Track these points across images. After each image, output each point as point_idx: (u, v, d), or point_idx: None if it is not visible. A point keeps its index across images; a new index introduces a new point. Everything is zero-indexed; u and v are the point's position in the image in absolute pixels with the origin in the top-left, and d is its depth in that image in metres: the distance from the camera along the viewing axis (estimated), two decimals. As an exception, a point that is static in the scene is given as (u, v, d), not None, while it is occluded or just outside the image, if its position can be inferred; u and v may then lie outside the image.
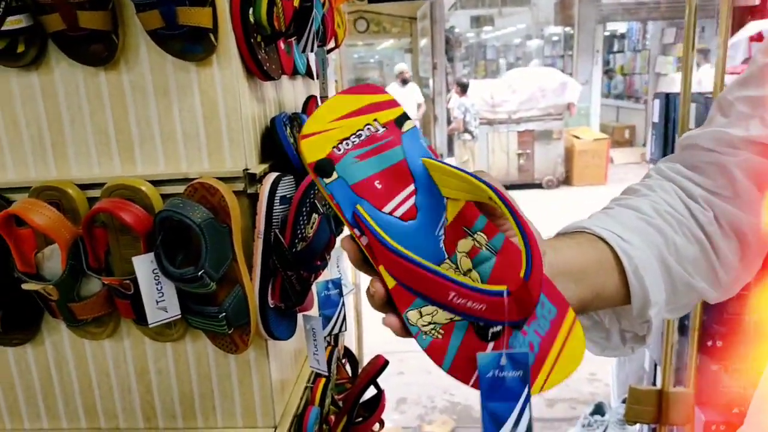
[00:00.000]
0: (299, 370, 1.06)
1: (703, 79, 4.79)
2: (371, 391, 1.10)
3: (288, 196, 0.81)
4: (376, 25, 9.46)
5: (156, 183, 0.79)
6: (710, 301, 0.58)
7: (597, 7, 8.52)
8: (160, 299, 0.75)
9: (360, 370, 1.08)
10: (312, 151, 0.42)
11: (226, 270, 0.76)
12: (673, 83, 7.60)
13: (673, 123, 2.25)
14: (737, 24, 2.33)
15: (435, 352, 0.42)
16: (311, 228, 0.82)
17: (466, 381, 0.42)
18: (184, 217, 0.71)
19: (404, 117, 0.44)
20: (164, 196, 0.79)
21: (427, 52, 9.33)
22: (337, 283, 0.89)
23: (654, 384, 1.91)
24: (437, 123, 9.21)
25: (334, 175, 0.42)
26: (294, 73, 1.00)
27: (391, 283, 0.41)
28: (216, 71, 0.77)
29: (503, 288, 0.38)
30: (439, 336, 0.42)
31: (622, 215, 0.55)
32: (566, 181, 7.44)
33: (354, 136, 0.42)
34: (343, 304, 0.89)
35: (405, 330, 0.42)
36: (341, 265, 1.01)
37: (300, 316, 0.92)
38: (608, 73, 11.03)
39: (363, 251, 0.42)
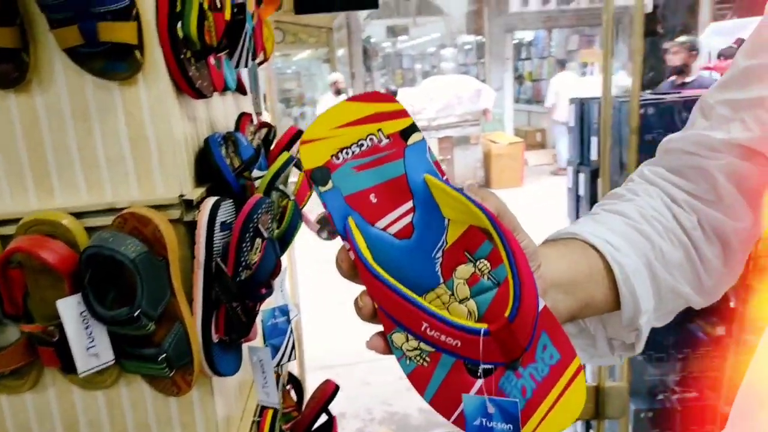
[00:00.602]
0: (244, 404, 1.00)
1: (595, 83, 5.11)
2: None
3: (229, 221, 0.76)
4: (293, 35, 9.37)
5: (79, 215, 0.71)
6: (695, 307, 0.57)
7: (505, 16, 8.86)
8: (90, 345, 0.68)
9: (309, 397, 1.03)
10: (310, 157, 0.40)
11: (165, 307, 0.70)
12: (578, 88, 8.01)
13: (588, 126, 2.35)
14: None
15: (418, 380, 0.40)
16: (255, 254, 0.77)
17: (447, 416, 0.40)
18: (115, 252, 0.64)
19: (412, 129, 0.41)
20: (89, 230, 0.71)
21: (345, 62, 9.36)
22: (285, 311, 0.84)
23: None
24: (358, 132, 9.22)
25: (330, 184, 0.40)
26: (224, 89, 0.95)
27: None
28: (142, 90, 0.71)
29: (482, 326, 0.36)
30: (425, 363, 0.40)
31: (609, 221, 0.55)
32: (486, 184, 7.66)
33: (355, 145, 0.40)
34: (291, 333, 0.85)
35: (389, 350, 0.40)
36: (284, 289, 0.96)
37: (245, 347, 0.86)
38: (518, 79, 11.48)
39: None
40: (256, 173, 0.82)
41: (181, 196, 0.73)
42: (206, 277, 0.74)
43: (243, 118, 0.99)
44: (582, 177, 2.37)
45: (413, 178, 0.40)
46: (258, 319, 0.86)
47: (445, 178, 0.40)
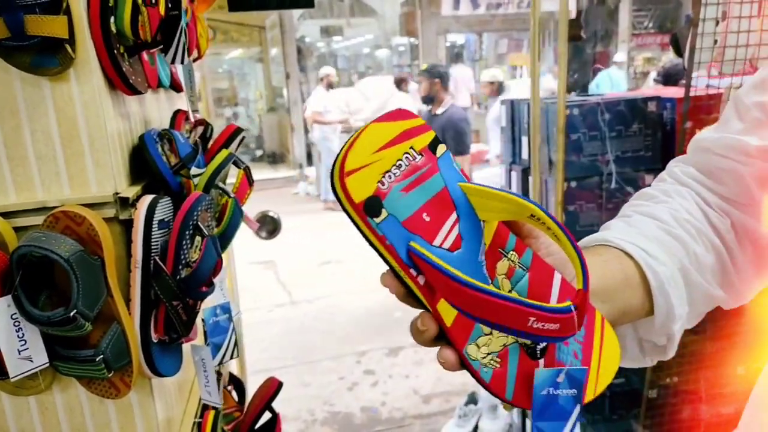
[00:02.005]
0: (185, 405, 0.99)
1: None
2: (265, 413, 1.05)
3: (167, 219, 0.75)
4: (223, 33, 9.17)
5: (7, 215, 0.68)
6: (725, 308, 0.58)
7: (437, 19, 9.02)
8: (22, 348, 0.65)
9: (252, 396, 1.03)
10: (358, 189, 0.37)
11: (101, 307, 0.68)
12: (508, 90, 8.27)
13: (519, 126, 2.44)
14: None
15: (497, 383, 0.40)
16: (196, 252, 0.76)
17: (527, 405, 0.41)
18: (49, 251, 0.62)
19: (436, 141, 0.41)
20: (18, 230, 0.69)
21: (279, 62, 9.25)
22: (226, 308, 0.84)
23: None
24: (294, 133, 9.15)
25: (384, 213, 0.38)
26: (158, 86, 0.93)
27: (449, 319, 0.39)
28: (74, 86, 0.69)
29: (569, 304, 0.37)
30: (497, 365, 0.41)
31: (642, 225, 0.54)
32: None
33: (395, 167, 0.39)
34: (234, 330, 0.84)
35: (461, 365, 0.40)
36: (225, 288, 0.96)
37: (185, 346, 0.85)
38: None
39: (407, 286, 0.39)
40: (194, 171, 0.81)
41: (116, 194, 0.72)
42: (144, 276, 0.73)
43: (178, 116, 0.97)
44: (514, 174, 2.46)
45: (453, 189, 0.40)
46: (199, 319, 0.85)
47: (472, 182, 0.41)
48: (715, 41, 1.71)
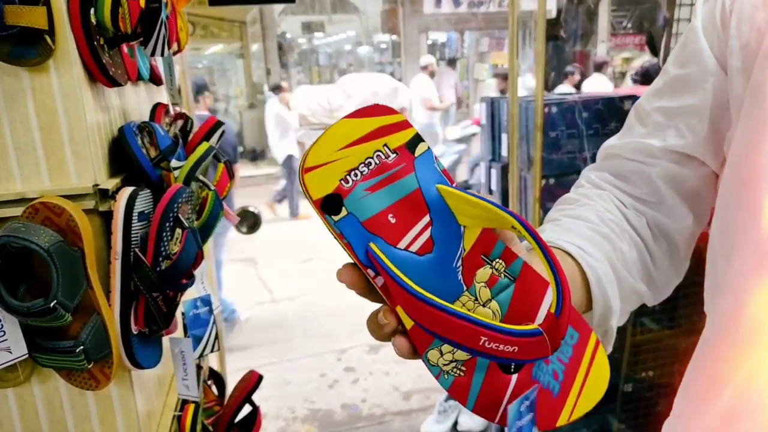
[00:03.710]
0: (165, 399, 0.99)
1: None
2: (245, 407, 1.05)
3: (147, 211, 0.75)
4: (203, 28, 9.07)
5: (-15, 206, 0.68)
6: (648, 303, 0.60)
7: (419, 17, 9.04)
8: (1, 339, 0.65)
9: (233, 389, 1.03)
10: (317, 185, 0.37)
11: (81, 298, 0.68)
12: (489, 88, 8.33)
13: (498, 123, 2.47)
14: None
15: (458, 391, 0.39)
16: (176, 244, 0.76)
17: (491, 418, 0.40)
18: (28, 242, 0.62)
19: (417, 139, 0.39)
20: (-4, 221, 0.68)
21: (260, 58, 9.20)
22: (207, 301, 0.84)
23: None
24: (274, 129, 9.09)
25: (344, 212, 0.37)
26: (137, 78, 0.93)
27: (408, 324, 0.38)
28: (54, 77, 0.68)
29: (534, 327, 0.35)
30: (461, 374, 0.39)
31: (573, 226, 0.56)
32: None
33: (363, 165, 0.37)
34: (214, 323, 0.85)
35: (414, 354, 0.39)
36: (205, 282, 0.96)
37: (165, 339, 0.85)
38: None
39: (369, 281, 0.38)
40: (174, 163, 0.81)
41: (96, 185, 0.71)
42: (124, 268, 0.73)
43: (158, 108, 0.97)
44: (494, 172, 2.49)
45: (427, 191, 0.39)
46: (178, 312, 0.85)
47: (454, 185, 0.39)
48: (689, 42, 1.74)
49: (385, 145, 0.38)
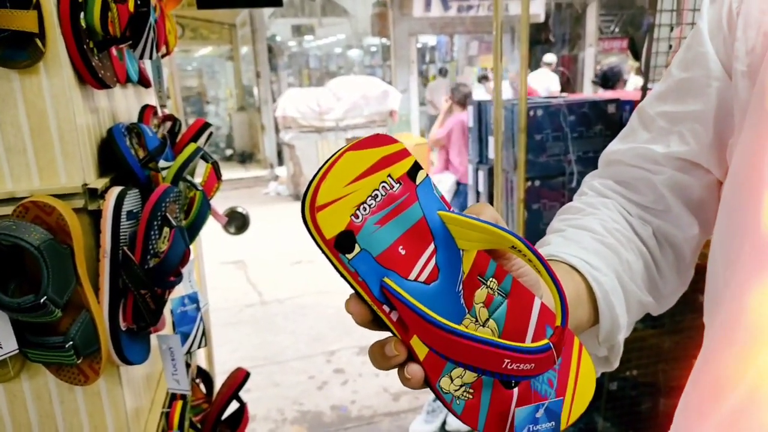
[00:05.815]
0: (153, 395, 1.00)
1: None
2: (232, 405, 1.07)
3: (135, 211, 0.77)
4: (192, 31, 9.06)
5: (-24, 205, 0.70)
6: (653, 313, 0.59)
7: (408, 20, 9.08)
8: (-9, 335, 0.66)
9: (220, 386, 1.05)
10: (330, 224, 0.35)
11: (70, 295, 0.70)
12: (476, 91, 8.38)
13: (486, 126, 2.50)
14: None
15: (469, 415, 0.39)
16: (164, 243, 0.78)
17: None
18: (19, 239, 0.64)
19: (416, 167, 0.39)
20: (-13, 219, 0.70)
21: (250, 61, 9.20)
22: (194, 298, 0.86)
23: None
24: (265, 132, 9.11)
25: (357, 249, 0.36)
26: (126, 81, 0.94)
27: (422, 353, 0.38)
28: (44, 79, 0.70)
29: (546, 342, 0.36)
30: (471, 396, 0.40)
31: (578, 237, 0.55)
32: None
33: (370, 198, 0.36)
34: (201, 319, 0.87)
35: (426, 385, 0.39)
36: (193, 280, 0.98)
37: (153, 337, 0.87)
38: (424, 81, 11.80)
39: (374, 311, 0.38)
40: (162, 164, 0.83)
41: (85, 185, 0.73)
42: (113, 266, 0.75)
43: (146, 110, 0.99)
44: (481, 174, 2.52)
45: (431, 219, 0.39)
46: (167, 310, 0.87)
47: (452, 210, 0.39)
48: (670, 46, 1.79)
49: (389, 175, 0.37)
